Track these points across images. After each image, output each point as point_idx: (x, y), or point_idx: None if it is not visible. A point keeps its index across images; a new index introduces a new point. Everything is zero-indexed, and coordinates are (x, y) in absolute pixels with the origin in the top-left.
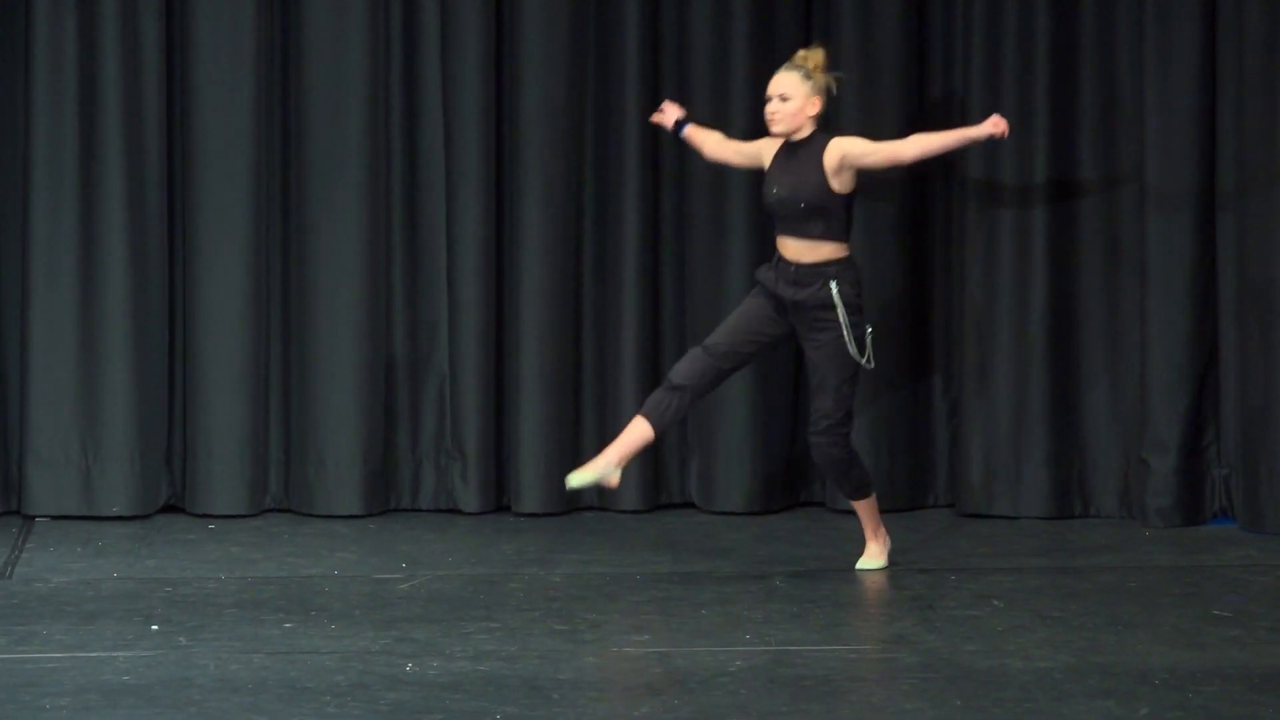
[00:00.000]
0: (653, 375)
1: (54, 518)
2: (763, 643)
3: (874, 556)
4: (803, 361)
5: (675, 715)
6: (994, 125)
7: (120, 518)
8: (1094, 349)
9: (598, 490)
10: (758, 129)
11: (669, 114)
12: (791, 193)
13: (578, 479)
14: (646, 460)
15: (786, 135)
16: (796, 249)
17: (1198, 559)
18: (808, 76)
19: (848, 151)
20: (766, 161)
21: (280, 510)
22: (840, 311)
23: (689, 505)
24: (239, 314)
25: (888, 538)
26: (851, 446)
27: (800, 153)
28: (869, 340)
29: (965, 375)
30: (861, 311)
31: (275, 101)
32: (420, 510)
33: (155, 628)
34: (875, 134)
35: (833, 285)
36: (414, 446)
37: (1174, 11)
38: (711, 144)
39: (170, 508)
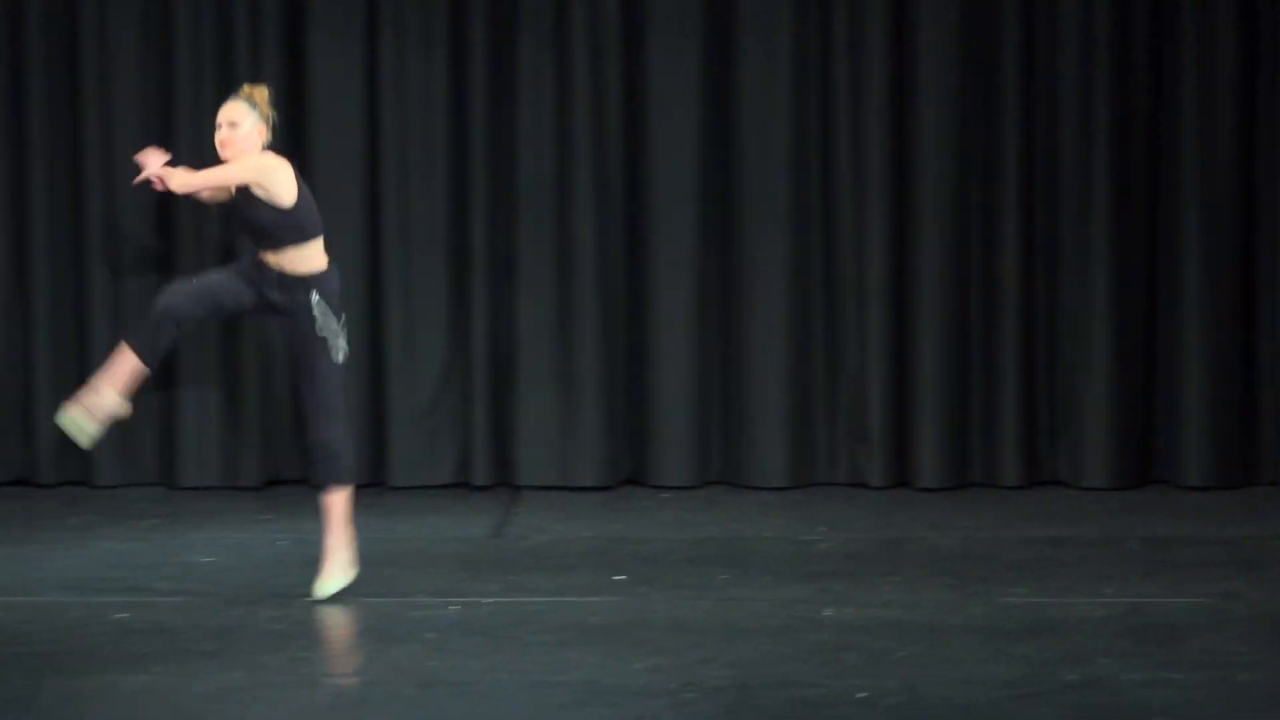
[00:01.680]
0: (1027, 367)
1: (537, 488)
2: (1119, 595)
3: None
4: (1154, 357)
5: (1048, 654)
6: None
7: (590, 488)
8: None
9: (985, 467)
10: (1121, 158)
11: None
12: (239, 212)
13: None
14: (1028, 442)
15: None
16: (267, 258)
17: None
18: (254, 106)
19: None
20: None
21: (720, 483)
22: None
23: (1059, 483)
24: (687, 319)
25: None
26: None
27: None
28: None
29: None
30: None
31: (715, 138)
32: (836, 484)
33: (620, 578)
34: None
35: (313, 294)
36: (830, 430)
37: None
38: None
39: (630, 480)
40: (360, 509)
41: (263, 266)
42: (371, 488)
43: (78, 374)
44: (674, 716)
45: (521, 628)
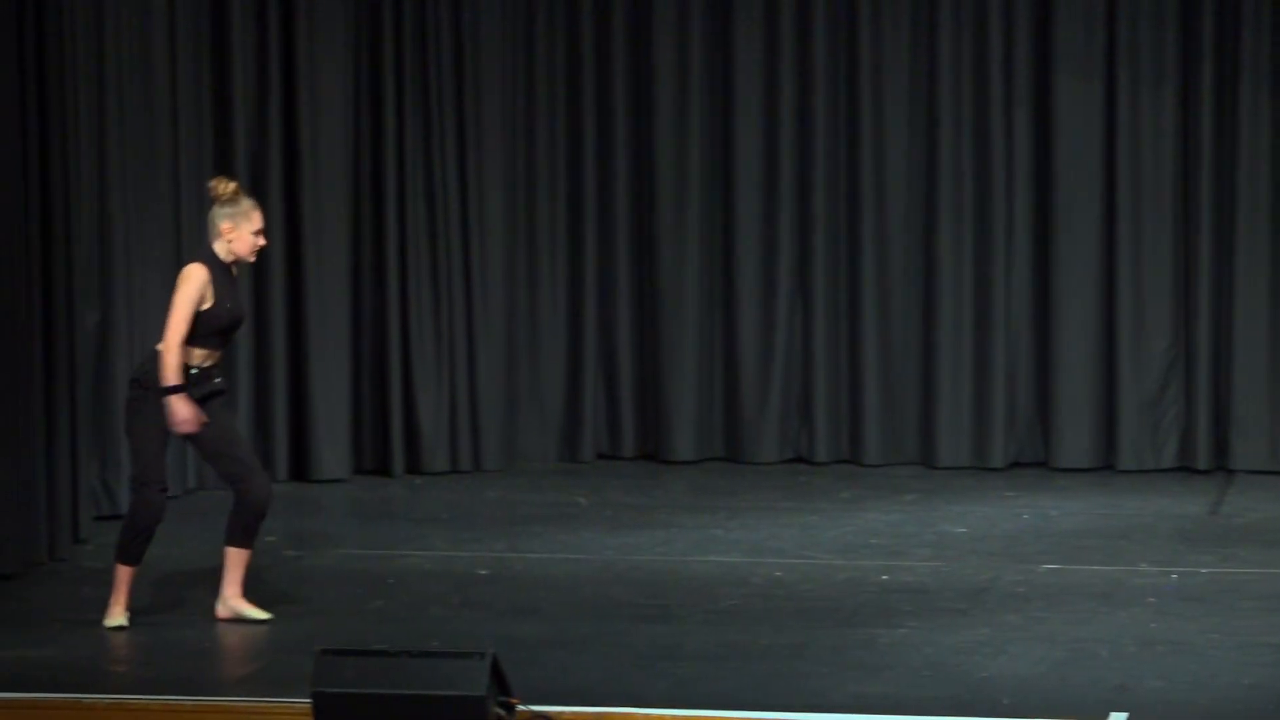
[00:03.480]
0: None
1: (1250, 472)
2: None
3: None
4: None
5: None
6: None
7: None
8: None
9: None
10: None
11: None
12: (242, 310)
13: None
14: None
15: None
16: (215, 357)
17: None
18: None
19: None
20: (211, 291)
21: None
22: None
23: None
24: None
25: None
26: None
27: (231, 272)
28: None
29: None
30: None
31: None
32: None
33: None
34: None
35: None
36: None
37: None
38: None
39: None
40: (1090, 489)
41: (193, 372)
42: (1102, 470)
43: (803, 354)
44: None
45: (1233, 595)
